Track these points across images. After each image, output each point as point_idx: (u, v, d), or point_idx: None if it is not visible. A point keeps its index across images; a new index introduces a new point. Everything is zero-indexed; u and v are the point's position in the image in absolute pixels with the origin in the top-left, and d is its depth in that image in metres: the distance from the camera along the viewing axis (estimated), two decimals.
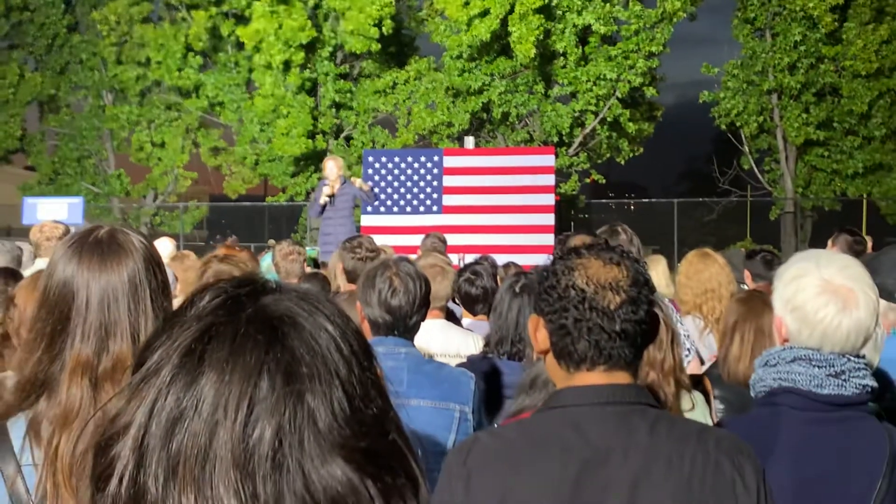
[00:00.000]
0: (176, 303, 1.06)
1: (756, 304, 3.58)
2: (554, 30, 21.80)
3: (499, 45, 22.26)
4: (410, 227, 13.62)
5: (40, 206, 15.53)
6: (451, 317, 4.86)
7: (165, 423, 0.74)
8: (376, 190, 13.98)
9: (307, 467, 0.74)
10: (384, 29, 22.88)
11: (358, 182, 11.16)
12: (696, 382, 3.52)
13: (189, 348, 0.77)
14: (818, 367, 2.17)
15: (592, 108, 22.07)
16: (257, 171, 25.48)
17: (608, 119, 22.27)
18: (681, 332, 3.32)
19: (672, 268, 6.79)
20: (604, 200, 29.78)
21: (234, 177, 26.06)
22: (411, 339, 3.22)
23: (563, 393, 1.84)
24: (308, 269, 6.40)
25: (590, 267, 1.81)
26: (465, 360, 3.77)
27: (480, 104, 22.57)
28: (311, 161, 23.60)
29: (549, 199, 14.41)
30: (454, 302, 5.23)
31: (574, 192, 23.84)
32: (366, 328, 3.12)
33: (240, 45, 24.64)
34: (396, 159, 14.92)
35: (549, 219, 14.18)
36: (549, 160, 15.13)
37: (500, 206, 14.19)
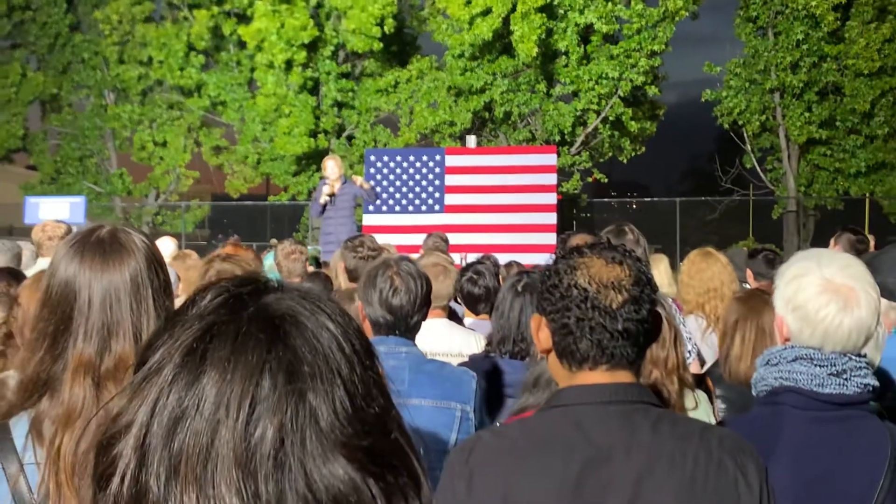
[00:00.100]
0: (178, 302, 1.06)
1: (756, 302, 3.58)
2: (556, 29, 21.78)
3: (501, 43, 22.25)
4: (412, 226, 13.63)
5: (42, 205, 15.54)
6: (453, 316, 4.86)
7: (167, 422, 0.74)
8: (378, 189, 13.99)
9: (309, 466, 0.73)
10: (386, 28, 22.87)
11: (359, 181, 11.17)
12: (700, 381, 3.52)
13: (191, 347, 0.77)
14: (819, 366, 2.17)
15: (594, 106, 22.05)
16: (259, 171, 25.48)
17: (610, 118, 22.26)
18: (683, 332, 3.31)
19: (674, 267, 6.79)
20: (606, 199, 29.75)
21: (236, 176, 26.06)
22: (412, 338, 3.22)
23: (565, 392, 1.84)
24: (310, 269, 6.40)
25: (592, 266, 1.81)
26: (467, 359, 3.77)
27: (482, 103, 22.56)
28: (313, 160, 23.59)
29: (551, 199, 14.41)
30: (456, 301, 5.23)
31: (576, 192, 23.83)
32: (367, 327, 3.12)
33: (242, 45, 24.65)
34: (398, 158, 14.92)
35: (551, 218, 14.18)
36: (551, 159, 15.13)
37: (502, 205, 14.19)
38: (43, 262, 5.80)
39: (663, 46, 21.68)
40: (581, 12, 21.50)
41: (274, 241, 14.26)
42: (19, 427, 1.74)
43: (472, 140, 16.83)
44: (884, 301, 2.65)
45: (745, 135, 24.39)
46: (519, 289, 3.56)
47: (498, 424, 3.05)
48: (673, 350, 2.82)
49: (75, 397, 1.73)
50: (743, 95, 23.58)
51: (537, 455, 1.76)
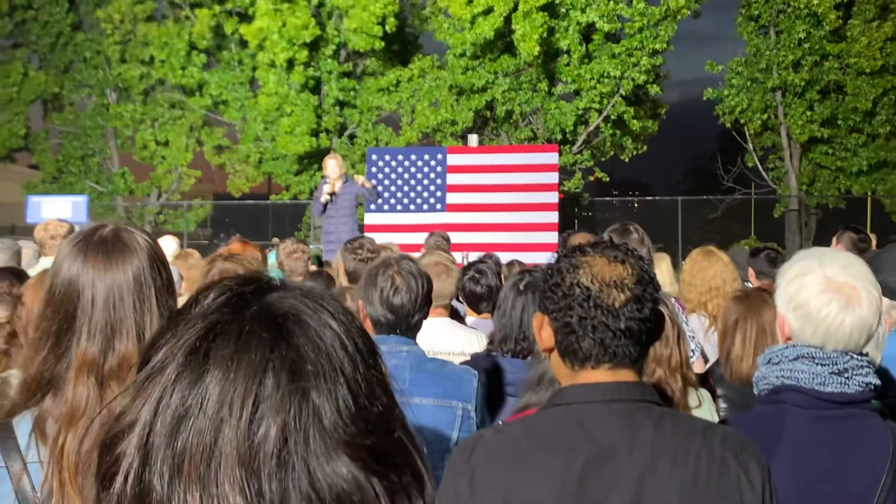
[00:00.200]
0: (180, 301, 1.06)
1: (755, 301, 3.58)
2: (557, 27, 21.77)
3: (502, 42, 22.23)
4: (414, 225, 13.62)
5: (44, 204, 15.52)
6: (455, 315, 4.86)
7: (171, 420, 0.74)
8: (380, 188, 13.99)
9: (312, 465, 0.73)
10: (388, 27, 22.86)
11: (360, 180, 11.17)
12: (703, 380, 3.52)
13: (194, 346, 0.77)
14: (821, 365, 2.17)
15: (596, 105, 22.03)
16: (261, 170, 25.47)
17: (612, 117, 22.24)
18: (686, 331, 3.32)
19: (676, 265, 6.79)
20: (607, 198, 29.73)
21: (238, 175, 26.05)
22: (413, 337, 3.22)
23: (567, 390, 1.84)
24: (312, 268, 6.41)
25: (595, 265, 1.81)
26: (469, 358, 3.77)
27: (484, 102, 22.54)
28: (315, 159, 23.57)
29: (553, 197, 14.39)
30: (458, 300, 5.23)
31: (578, 190, 23.81)
32: (368, 327, 3.12)
33: (243, 44, 24.63)
34: (400, 157, 14.91)
35: (553, 217, 14.17)
36: (552, 158, 15.11)
37: (503, 204, 14.17)
38: (45, 262, 5.81)
39: (665, 45, 21.66)
40: (583, 11, 21.48)
41: (276, 240, 14.26)
42: (23, 425, 1.74)
43: (473, 139, 16.82)
44: (885, 300, 2.65)
45: (746, 133, 24.37)
46: (521, 287, 3.56)
47: (500, 423, 3.05)
48: (676, 348, 2.82)
49: (79, 396, 1.73)
50: (745, 94, 23.56)
51: (540, 453, 1.76)
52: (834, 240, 6.35)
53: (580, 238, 4.32)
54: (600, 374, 1.81)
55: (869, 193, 23.41)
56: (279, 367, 0.75)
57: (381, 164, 14.75)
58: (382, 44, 23.17)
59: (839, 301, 2.17)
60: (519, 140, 22.79)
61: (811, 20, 22.53)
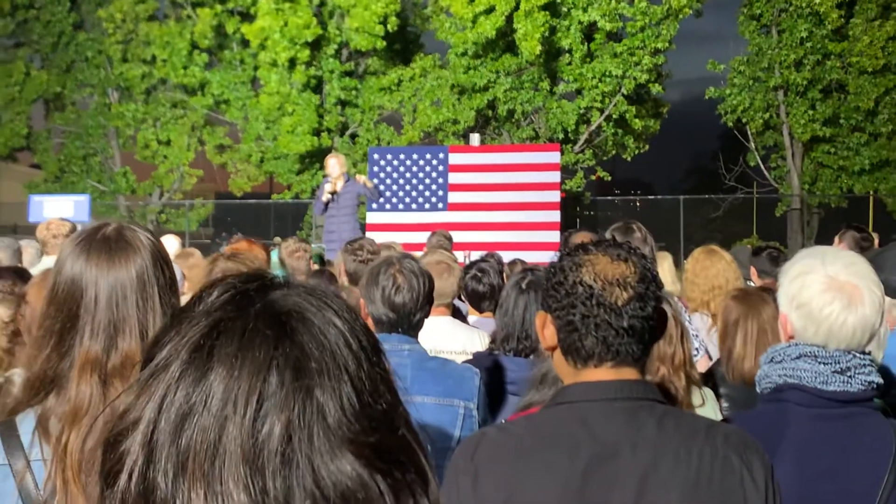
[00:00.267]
0: (183, 300, 1.06)
1: (755, 300, 3.59)
2: (559, 27, 21.76)
3: (504, 42, 22.22)
4: (416, 224, 13.62)
5: (46, 203, 15.51)
6: (458, 314, 4.86)
7: (175, 418, 0.74)
8: (381, 187, 13.99)
9: (316, 462, 0.73)
10: (389, 26, 22.86)
11: (362, 179, 11.16)
12: (707, 379, 3.52)
13: (198, 344, 0.77)
14: (824, 363, 2.17)
15: (598, 104, 22.03)
16: (263, 169, 25.49)
17: (614, 116, 22.24)
18: (690, 329, 3.31)
19: (678, 265, 6.78)
20: (609, 197, 29.72)
21: (240, 174, 26.07)
22: (415, 335, 3.22)
23: (570, 389, 1.84)
24: (314, 267, 6.41)
25: (597, 263, 1.81)
26: (471, 357, 3.77)
27: (486, 101, 22.54)
28: (317, 158, 23.57)
29: (555, 196, 14.39)
30: (460, 299, 5.23)
31: (579, 189, 23.81)
32: (370, 325, 3.11)
33: (245, 43, 24.63)
34: (402, 156, 14.91)
35: (555, 216, 14.16)
36: (554, 157, 15.10)
37: (505, 203, 14.17)
38: (48, 261, 5.81)
39: (667, 44, 21.66)
40: (584, 10, 21.48)
41: (278, 239, 14.27)
42: (26, 424, 1.75)
43: (475, 138, 16.82)
44: (887, 299, 2.64)
45: (748, 132, 24.36)
46: (523, 286, 3.56)
47: (503, 421, 3.05)
48: (680, 347, 2.82)
49: (82, 395, 1.73)
50: (747, 93, 23.55)
51: (542, 451, 1.76)
52: (836, 238, 6.34)
53: (581, 237, 4.31)
54: (603, 373, 1.81)
55: (871, 192, 23.40)
56: (283, 364, 0.75)
57: (382, 163, 14.76)
58: (384, 43, 23.18)
59: (841, 300, 2.17)
60: (521, 139, 22.79)
61: (813, 19, 22.53)
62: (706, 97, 24.05)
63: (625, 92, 21.84)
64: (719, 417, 3.09)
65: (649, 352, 1.87)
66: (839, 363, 2.17)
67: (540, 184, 14.32)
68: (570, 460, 1.72)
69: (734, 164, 25.59)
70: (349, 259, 5.13)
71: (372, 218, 14.32)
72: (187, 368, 0.76)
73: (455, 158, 14.75)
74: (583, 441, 1.74)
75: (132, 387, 0.79)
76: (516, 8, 21.10)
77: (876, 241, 6.82)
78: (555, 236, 13.38)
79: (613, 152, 23.91)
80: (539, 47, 20.84)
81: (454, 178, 14.48)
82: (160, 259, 1.87)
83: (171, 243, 7.13)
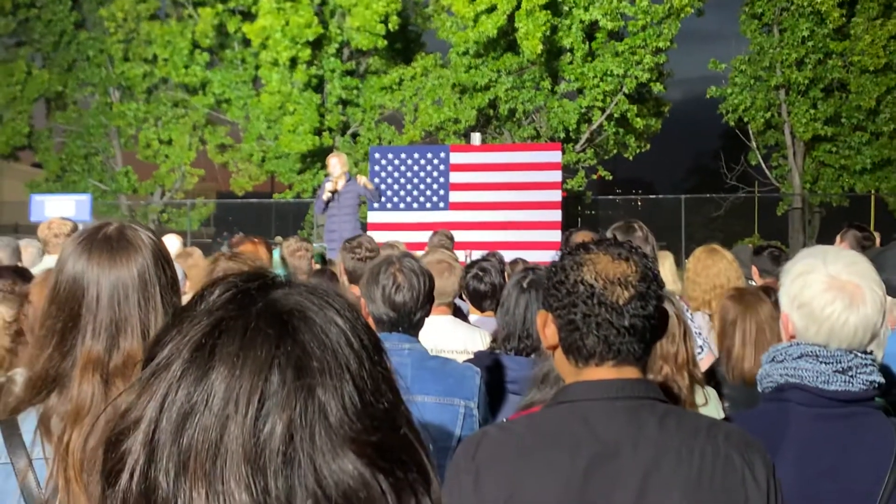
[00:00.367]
0: (185, 300, 1.06)
1: (751, 299, 3.59)
2: (561, 26, 21.77)
3: (505, 41, 22.23)
4: (417, 223, 13.64)
5: (48, 203, 15.52)
6: (459, 313, 4.86)
7: (176, 417, 0.74)
8: (383, 186, 13.99)
9: (318, 462, 0.73)
10: (390, 25, 22.88)
11: (362, 180, 11.15)
12: (710, 378, 3.52)
13: (199, 343, 0.76)
14: (825, 363, 2.17)
15: (599, 104, 22.03)
16: (264, 168, 25.51)
17: (615, 115, 22.24)
18: (692, 328, 3.31)
19: (679, 264, 6.78)
20: (610, 197, 29.75)
21: (241, 174, 26.10)
22: (416, 335, 3.22)
23: (571, 387, 1.84)
24: (316, 266, 6.41)
25: (598, 262, 1.81)
26: (472, 356, 3.77)
27: (487, 100, 22.55)
28: (318, 158, 23.59)
29: (556, 196, 14.40)
30: (461, 298, 5.23)
31: (581, 189, 23.82)
32: (370, 324, 3.11)
33: (246, 42, 24.66)
34: (403, 156, 14.92)
35: (556, 215, 14.18)
36: (555, 156, 15.12)
37: (506, 202, 14.18)
38: (50, 260, 5.82)
39: (668, 43, 21.66)
40: (586, 9, 21.48)
41: (279, 238, 14.28)
42: (28, 422, 1.75)
43: (476, 137, 16.84)
44: (889, 298, 2.64)
45: (750, 132, 24.37)
46: (524, 285, 3.56)
47: (504, 420, 3.05)
48: (683, 346, 2.82)
49: (84, 394, 1.73)
50: (748, 92, 23.55)
51: (544, 450, 1.76)
52: (838, 238, 6.34)
53: (582, 236, 4.31)
54: (604, 372, 1.81)
55: (872, 192, 23.40)
56: (285, 363, 0.75)
57: (384, 162, 14.77)
58: (385, 42, 23.19)
59: (843, 299, 2.16)
60: (522, 138, 22.80)
61: (814, 18, 22.53)
62: (707, 96, 24.06)
63: (626, 91, 21.84)
64: (722, 416, 3.09)
65: (650, 351, 1.87)
66: (840, 363, 2.16)
67: (541, 183, 14.34)
68: (571, 459, 1.72)
69: (735, 164, 25.60)
70: (347, 257, 5.13)
71: (373, 217, 14.34)
72: (189, 367, 0.75)
73: (456, 158, 14.76)
74: (584, 440, 1.74)
75: (133, 386, 0.79)
76: (517, 7, 21.10)
77: (877, 241, 6.82)
78: (556, 235, 13.40)
79: (615, 151, 23.92)
80: (540, 46, 20.84)
81: (455, 177, 14.50)
82: (161, 258, 1.87)
83: (172, 242, 7.12)
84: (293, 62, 23.32)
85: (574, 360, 1.84)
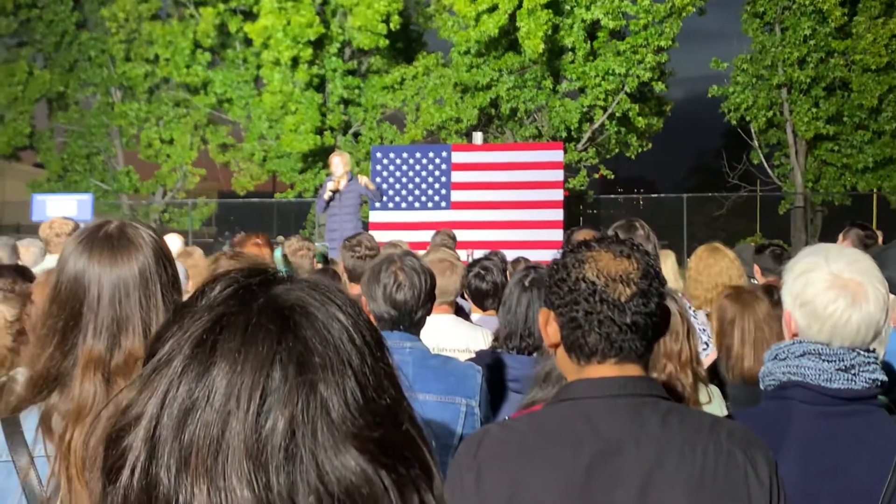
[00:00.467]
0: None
1: (748, 298, 3.59)
2: (562, 25, 21.76)
3: (507, 40, 22.23)
4: (419, 222, 13.65)
5: (49, 202, 15.52)
6: (460, 312, 4.86)
7: (177, 413, 0.73)
8: (385, 186, 14.00)
9: (320, 458, 0.73)
10: (392, 25, 22.88)
11: (363, 180, 11.15)
12: (713, 376, 3.52)
13: (201, 339, 0.76)
14: (827, 361, 2.17)
15: (601, 103, 22.03)
16: (265, 168, 25.53)
17: (617, 114, 22.24)
18: (696, 326, 3.31)
19: (681, 263, 6.77)
20: (612, 196, 29.74)
21: (243, 173, 26.12)
22: (417, 333, 3.21)
23: (574, 385, 1.83)
24: (318, 266, 6.41)
25: (600, 259, 1.80)
26: (474, 354, 3.77)
27: (488, 100, 22.55)
28: (320, 157, 23.60)
29: (558, 195, 14.40)
30: (463, 297, 5.22)
31: (583, 188, 23.81)
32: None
33: (248, 42, 24.67)
34: (405, 155, 14.93)
35: (558, 214, 14.18)
36: (557, 155, 15.12)
37: (508, 201, 14.19)
38: (51, 259, 5.82)
39: (670, 42, 21.66)
40: (587, 8, 21.48)
41: (281, 237, 14.28)
42: (29, 420, 1.74)
43: (478, 137, 16.85)
44: (891, 296, 2.64)
45: (752, 130, 24.36)
46: (526, 284, 3.55)
47: (506, 419, 3.05)
48: (686, 343, 2.82)
49: (85, 393, 1.73)
50: (750, 91, 23.55)
51: (546, 448, 1.75)
52: (840, 236, 6.34)
53: (584, 235, 4.31)
54: (606, 369, 1.80)
55: (874, 190, 23.39)
56: (287, 359, 0.74)
57: (385, 161, 14.77)
58: (387, 41, 23.20)
59: (846, 298, 2.16)
60: (524, 137, 22.79)
61: (816, 17, 22.52)
62: (709, 95, 24.06)
63: (628, 90, 21.84)
64: (726, 414, 3.09)
65: (653, 348, 1.86)
66: (843, 361, 2.16)
67: (543, 182, 14.34)
68: (573, 457, 1.72)
69: (737, 162, 25.59)
70: (347, 255, 5.13)
71: (375, 216, 14.34)
72: (190, 363, 0.75)
73: (458, 157, 14.77)
74: (586, 438, 1.73)
75: (135, 382, 0.78)
76: (519, 6, 21.10)
77: (880, 239, 6.81)
78: (558, 234, 13.40)
79: (616, 150, 23.91)
80: (542, 45, 20.84)
81: (457, 176, 14.50)
82: (162, 256, 1.87)
83: (174, 242, 7.12)
84: (295, 62, 23.33)
85: (576, 358, 1.83)
